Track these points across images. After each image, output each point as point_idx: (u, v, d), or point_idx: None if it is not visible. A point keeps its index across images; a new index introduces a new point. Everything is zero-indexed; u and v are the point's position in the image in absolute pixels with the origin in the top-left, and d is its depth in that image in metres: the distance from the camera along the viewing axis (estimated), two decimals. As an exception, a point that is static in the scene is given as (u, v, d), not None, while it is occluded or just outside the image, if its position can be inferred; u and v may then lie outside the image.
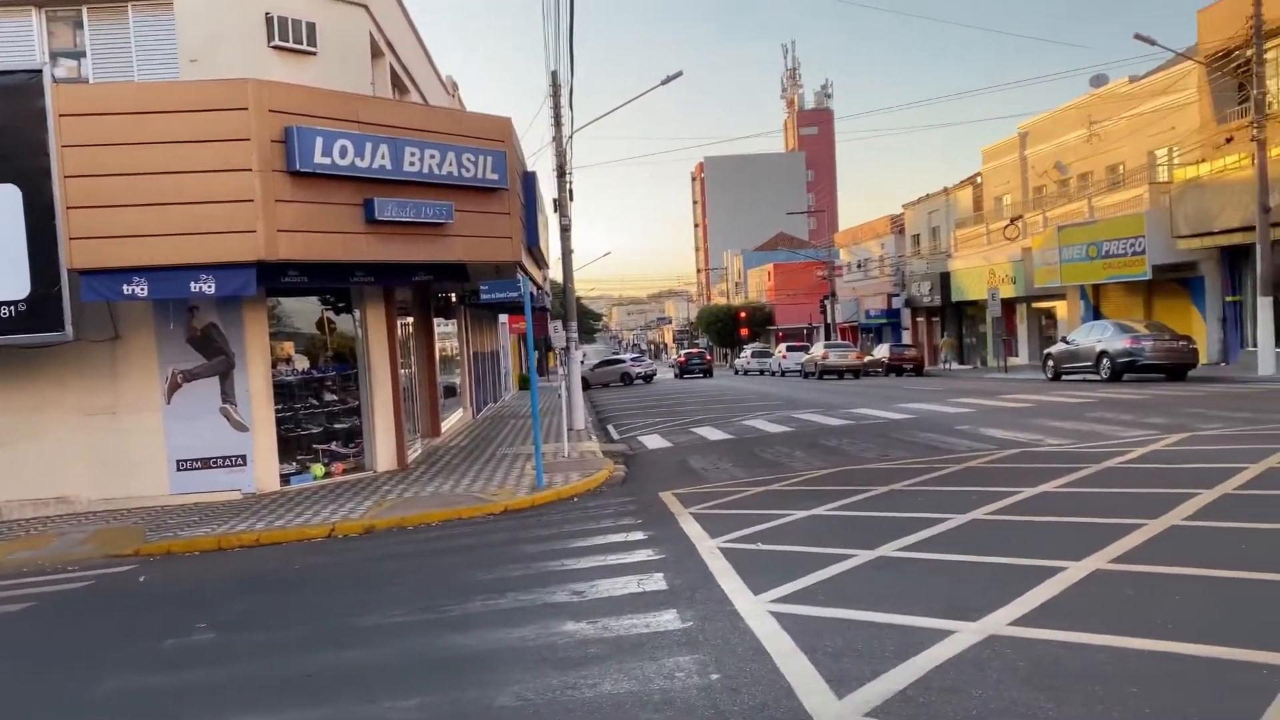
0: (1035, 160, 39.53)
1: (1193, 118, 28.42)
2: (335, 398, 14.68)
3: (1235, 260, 27.02)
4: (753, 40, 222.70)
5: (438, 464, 15.76)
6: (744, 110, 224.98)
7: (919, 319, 50.77)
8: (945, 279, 44.00)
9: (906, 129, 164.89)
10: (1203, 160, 27.20)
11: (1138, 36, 24.31)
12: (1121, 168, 33.50)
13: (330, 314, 14.78)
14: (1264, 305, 22.74)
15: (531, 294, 15.76)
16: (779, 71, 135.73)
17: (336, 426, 14.69)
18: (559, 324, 21.84)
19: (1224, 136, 26.49)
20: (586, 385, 42.53)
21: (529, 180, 16.94)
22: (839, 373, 40.61)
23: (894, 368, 41.38)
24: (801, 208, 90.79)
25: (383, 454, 14.98)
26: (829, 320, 57.94)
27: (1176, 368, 23.75)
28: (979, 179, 45.42)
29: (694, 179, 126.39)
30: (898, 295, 51.70)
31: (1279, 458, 9.87)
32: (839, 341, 50.93)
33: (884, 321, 53.58)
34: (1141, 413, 15.73)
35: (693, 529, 8.81)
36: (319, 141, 11.60)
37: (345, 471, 14.55)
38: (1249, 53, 23.19)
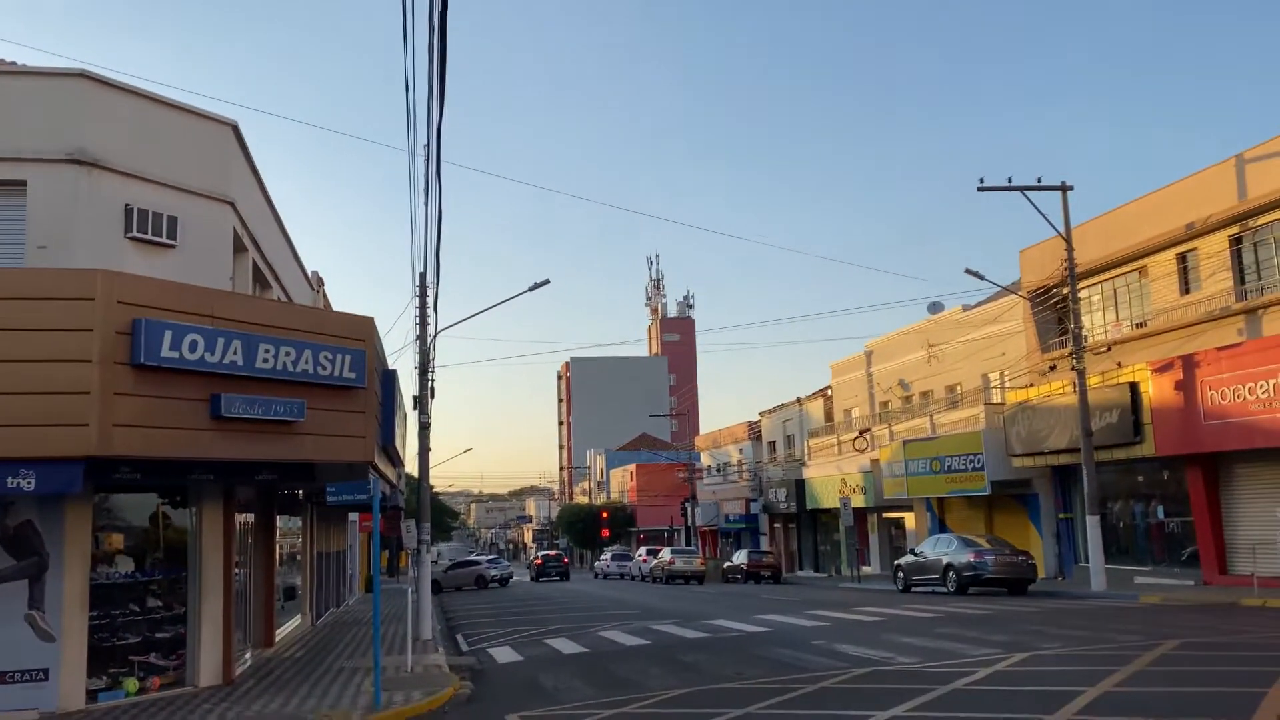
0: (880, 377, 41.87)
1: (1020, 345, 30.88)
2: (160, 603, 13.53)
3: (1065, 479, 28.78)
4: (619, 252, 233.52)
5: (268, 678, 14.57)
6: (610, 315, 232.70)
7: (776, 525, 51.54)
8: (800, 486, 45.13)
9: (762, 344, 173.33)
10: (1031, 385, 29.36)
11: (968, 271, 26.63)
12: (959, 388, 35.79)
13: (166, 508, 13.88)
14: (1092, 524, 24.08)
15: (384, 494, 15.23)
16: (644, 281, 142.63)
17: (159, 635, 13.47)
18: (412, 523, 21.13)
19: (1048, 364, 28.78)
20: (439, 588, 40.94)
21: (388, 378, 16.76)
22: (685, 577, 42.57)
23: (752, 574, 41.53)
24: (664, 410, 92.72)
25: (207, 667, 13.77)
26: (689, 523, 58.16)
27: (1017, 582, 24.66)
28: (830, 391, 47.62)
29: (560, 378, 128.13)
30: (755, 500, 52.56)
31: (1114, 681, 10.17)
32: (684, 547, 51.88)
33: (743, 526, 54.12)
34: (986, 629, 16.08)
35: (538, 759, 8.30)
36: (168, 335, 11.23)
37: (163, 686, 13.25)
38: (1065, 291, 25.62)
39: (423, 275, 20.65)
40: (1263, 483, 22.09)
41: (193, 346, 11.47)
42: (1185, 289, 24.79)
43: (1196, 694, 9.31)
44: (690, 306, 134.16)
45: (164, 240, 13.30)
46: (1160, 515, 25.58)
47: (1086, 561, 24.94)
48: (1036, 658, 12.38)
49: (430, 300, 20.69)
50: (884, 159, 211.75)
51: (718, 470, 61.05)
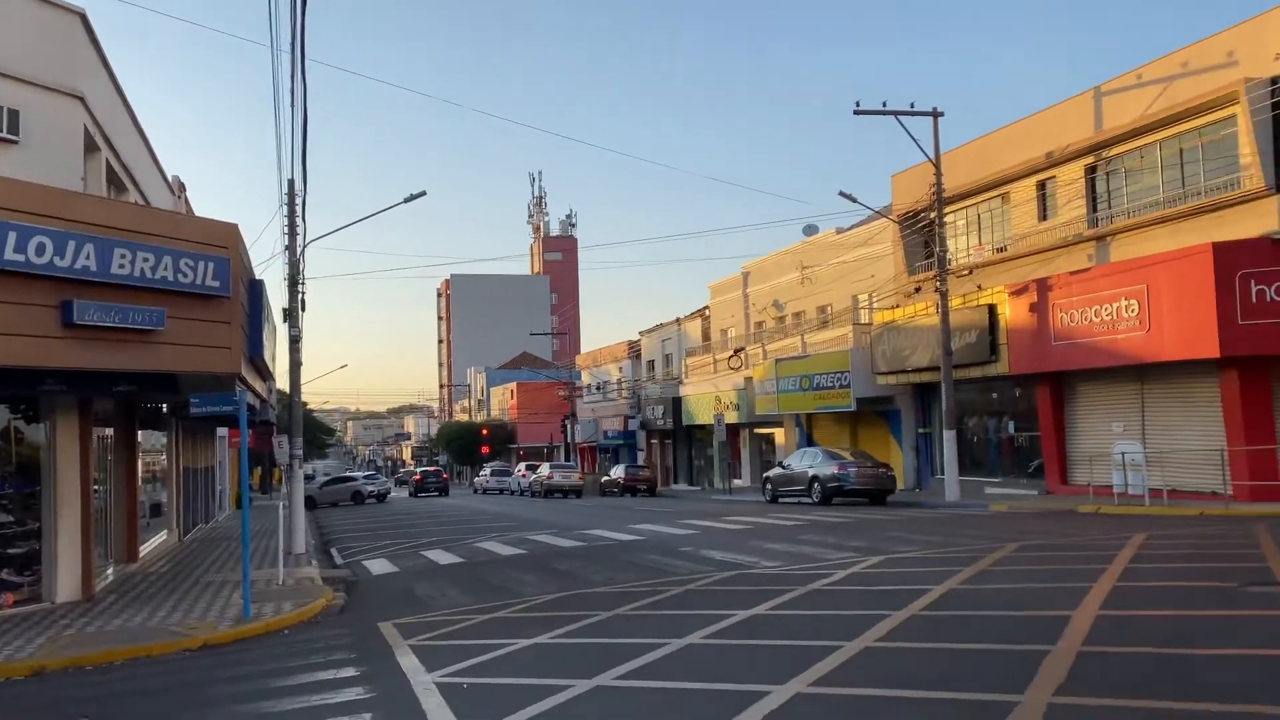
0: (756, 297, 42.73)
1: (889, 267, 31.92)
2: (12, 519, 13.00)
3: (926, 396, 30.20)
4: (501, 170, 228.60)
5: (131, 593, 14.24)
6: (492, 233, 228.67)
7: (653, 441, 52.56)
8: (677, 404, 46.02)
9: (644, 263, 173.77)
10: (897, 306, 30.49)
11: (841, 194, 27.19)
12: (830, 308, 36.88)
13: (18, 422, 13.22)
14: (949, 438, 25.43)
15: (252, 406, 14.85)
16: (526, 198, 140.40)
17: (11, 551, 12.96)
18: (284, 439, 20.70)
19: (914, 286, 29.88)
20: (313, 504, 40.37)
21: (255, 289, 16.19)
22: (563, 492, 43.42)
23: (629, 488, 42.43)
24: (546, 329, 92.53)
25: (65, 582, 13.35)
26: (569, 440, 58.73)
27: (878, 492, 25.96)
28: (708, 312, 48.37)
29: (440, 295, 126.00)
30: (634, 418, 53.37)
31: (958, 579, 10.93)
32: (564, 462, 52.81)
33: (621, 442, 54.98)
34: (846, 536, 16.94)
35: (409, 662, 8.44)
36: (12, 236, 10.56)
37: (16, 603, 12.81)
38: (932, 215, 26.53)
39: (291, 182, 19.88)
40: (1102, 400, 23.69)
41: (40, 249, 10.82)
42: (1044, 215, 26.00)
43: (1031, 589, 10.10)
44: (573, 225, 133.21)
45: (4, 135, 12.41)
46: (1011, 430, 27.21)
47: (943, 473, 26.38)
48: (891, 560, 13.15)
49: (299, 208, 19.96)
50: (762, 82, 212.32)
51: (597, 389, 61.61)
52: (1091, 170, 24.33)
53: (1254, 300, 19.18)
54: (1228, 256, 19.45)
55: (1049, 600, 9.20)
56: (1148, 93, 22.42)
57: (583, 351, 76.76)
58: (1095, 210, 24.27)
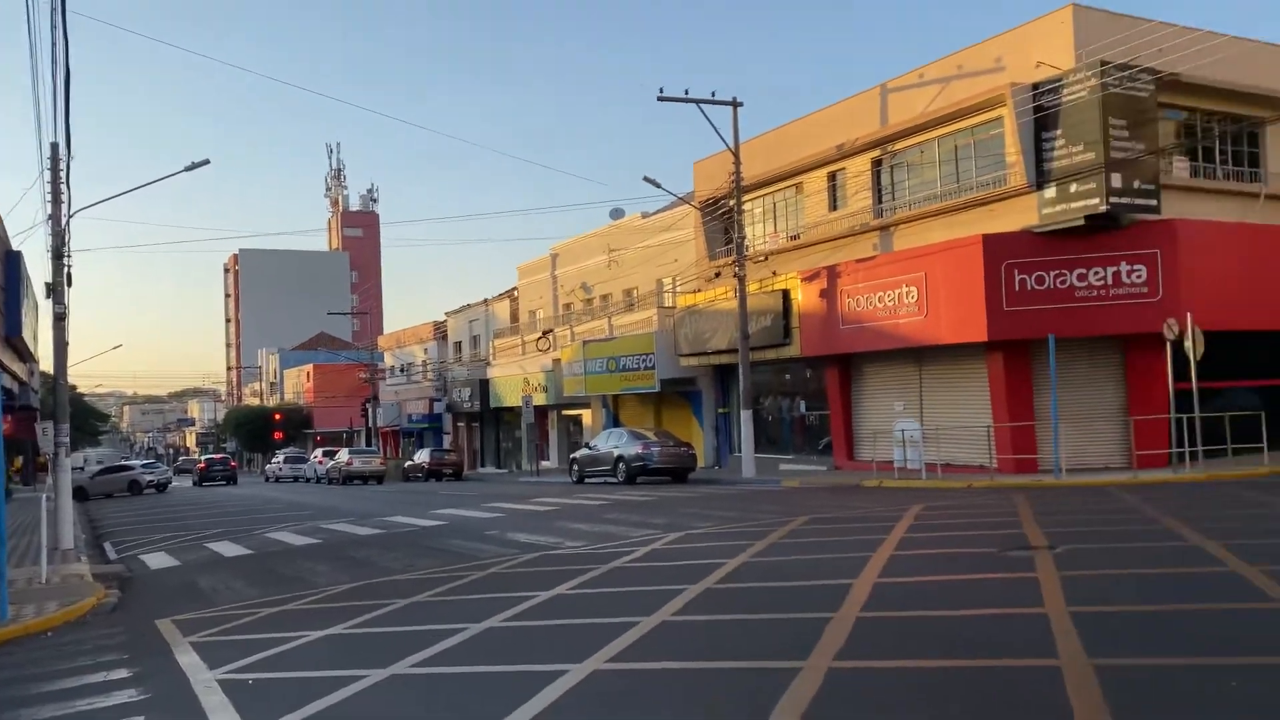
0: (564, 279, 42.81)
1: (691, 252, 32.71)
2: None
3: (725, 377, 31.22)
4: (295, 141, 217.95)
5: None
6: (286, 207, 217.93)
7: (460, 424, 51.78)
8: (485, 386, 45.50)
9: (451, 241, 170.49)
10: (699, 290, 31.32)
11: (646, 179, 27.62)
12: (636, 291, 37.44)
13: None
14: (746, 418, 26.41)
15: (10, 390, 13.57)
16: (323, 171, 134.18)
17: None
18: (49, 425, 18.98)
19: (714, 271, 30.75)
20: (85, 495, 37.36)
21: (12, 261, 14.75)
22: (363, 478, 42.18)
23: (434, 472, 41.65)
24: (345, 308, 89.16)
25: None
26: (371, 424, 56.96)
27: (680, 471, 26.65)
28: (516, 293, 48.04)
29: (227, 271, 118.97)
30: (440, 400, 52.37)
31: (751, 552, 11.36)
32: (364, 447, 51.33)
33: (426, 426, 53.85)
34: (649, 514, 17.29)
35: (189, 660, 7.94)
36: None
37: None
38: (732, 203, 27.36)
39: (55, 145, 18.16)
40: (885, 380, 25.24)
41: None
42: (834, 205, 27.32)
43: (817, 560, 10.62)
44: (374, 200, 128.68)
45: None
46: (803, 410, 28.56)
47: (740, 452, 27.37)
48: (689, 536, 13.51)
49: (64, 174, 18.28)
50: (572, 65, 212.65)
51: (401, 371, 60.03)
52: (878, 164, 25.77)
53: (1017, 289, 20.90)
54: (995, 248, 21.10)
55: (833, 570, 9.71)
56: (928, 92, 23.94)
57: (386, 332, 74.51)
58: (880, 202, 25.72)
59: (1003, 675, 5.76)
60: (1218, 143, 22.46)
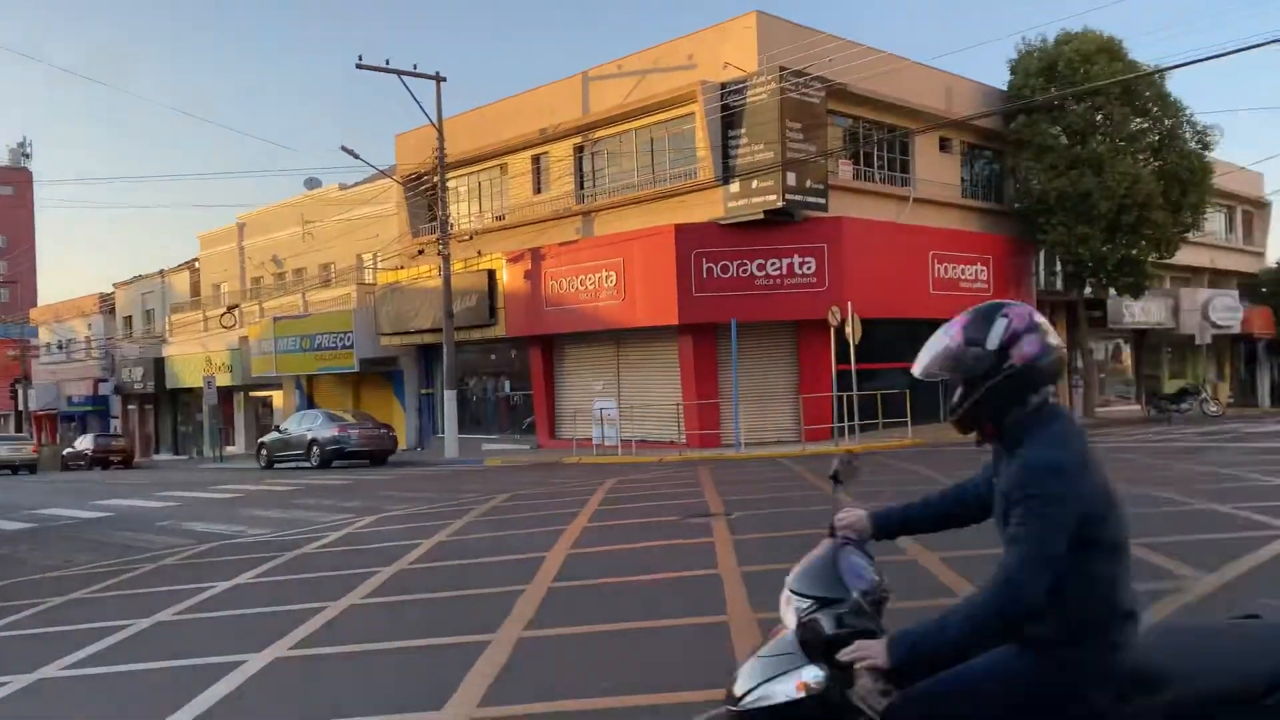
0: (253, 251, 40.21)
1: (394, 228, 31.86)
2: None
3: (429, 357, 30.78)
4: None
5: None
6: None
7: (131, 406, 47.25)
8: (160, 365, 41.79)
9: (120, 206, 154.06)
10: (401, 267, 30.59)
11: (344, 149, 26.56)
12: (333, 266, 35.92)
13: None
14: (450, 398, 26.21)
15: None
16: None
17: None
18: None
19: (418, 248, 30.16)
20: None
21: None
22: (12, 467, 37.41)
23: (99, 460, 37.70)
24: (-11, 277, 78.24)
25: None
26: (22, 407, 50.57)
27: (379, 453, 25.96)
28: (197, 264, 44.49)
29: None
30: (107, 381, 47.47)
31: (449, 531, 11.35)
32: (11, 434, 45.93)
33: (90, 409, 48.64)
34: (343, 498, 16.73)
35: None
36: None
37: None
38: (436, 179, 26.93)
39: None
40: (585, 361, 26.01)
41: None
42: (538, 188, 27.66)
43: (514, 535, 10.80)
44: (27, 155, 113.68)
45: None
46: (508, 389, 28.78)
47: (444, 433, 27.13)
48: (386, 519, 13.25)
49: None
50: (272, 27, 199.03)
51: (60, 348, 53.69)
52: (580, 150, 26.38)
53: (705, 276, 22.27)
54: (686, 237, 22.34)
55: (529, 544, 9.92)
56: (626, 83, 24.81)
57: (40, 304, 66.30)
58: (582, 188, 26.38)
59: (680, 633, 6.18)
60: (876, 149, 25.09)
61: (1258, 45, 18.92)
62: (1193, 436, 19.65)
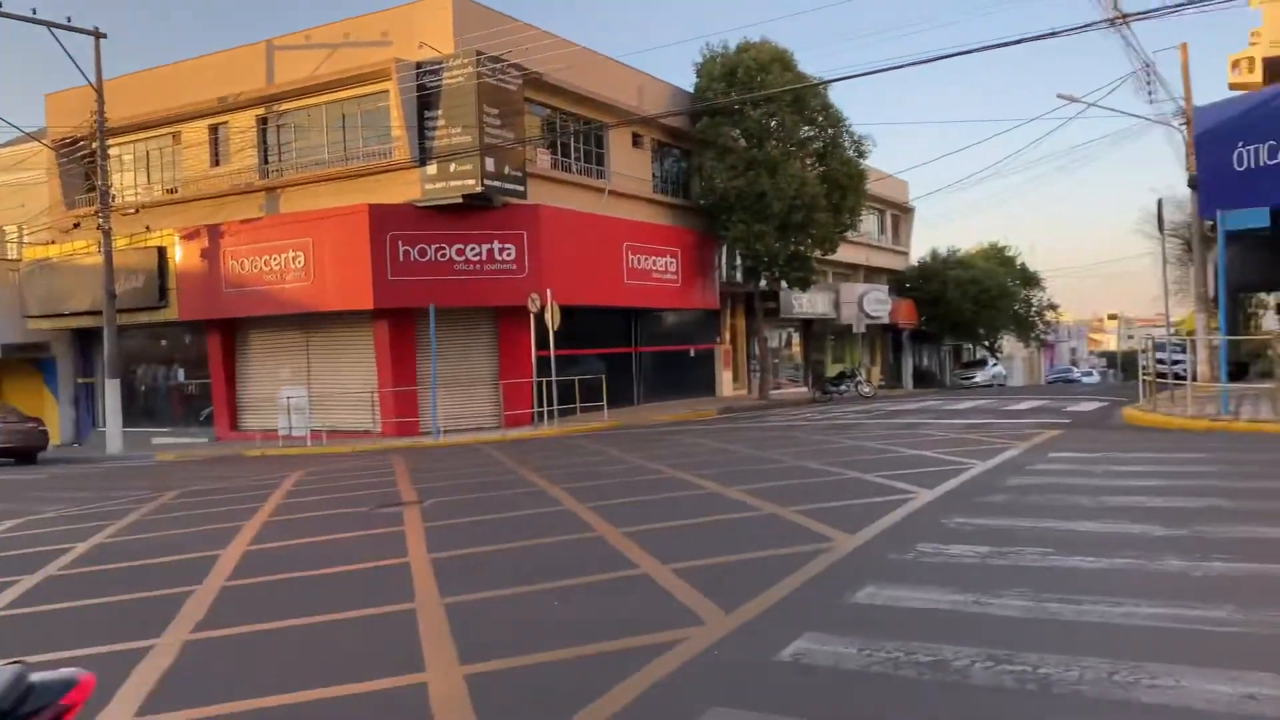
0: None
1: (44, 197, 28.32)
2: None
3: (87, 342, 27.73)
4: None
5: None
6: None
7: None
8: None
9: None
10: (53, 242, 27.29)
11: (-19, 105, 23.22)
12: (-32, 239, 31.32)
13: None
14: (112, 387, 23.75)
15: None
16: None
17: None
18: None
19: (73, 221, 27.02)
20: None
21: None
22: None
23: None
24: None
25: None
26: None
27: (26, 450, 23.04)
28: None
29: None
30: None
31: (108, 533, 10.32)
32: None
33: None
34: (-21, 501, 14.72)
35: None
36: None
37: None
38: (95, 145, 24.24)
39: None
40: (271, 346, 24.55)
41: None
42: (217, 161, 25.67)
43: (185, 534, 10.01)
44: None
45: None
46: (181, 378, 26.54)
47: (104, 426, 24.57)
48: (33, 522, 11.82)
49: None
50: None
51: None
52: (264, 122, 24.79)
53: (401, 259, 21.75)
54: (381, 218, 21.69)
55: (202, 542, 9.25)
56: (316, 55, 23.63)
57: None
58: (267, 162, 24.82)
59: (364, 624, 6.03)
60: (573, 141, 25.65)
61: (906, 65, 21.42)
62: (850, 414, 21.85)
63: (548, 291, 21.45)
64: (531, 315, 21.64)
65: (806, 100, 28.65)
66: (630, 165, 27.13)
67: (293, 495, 12.64)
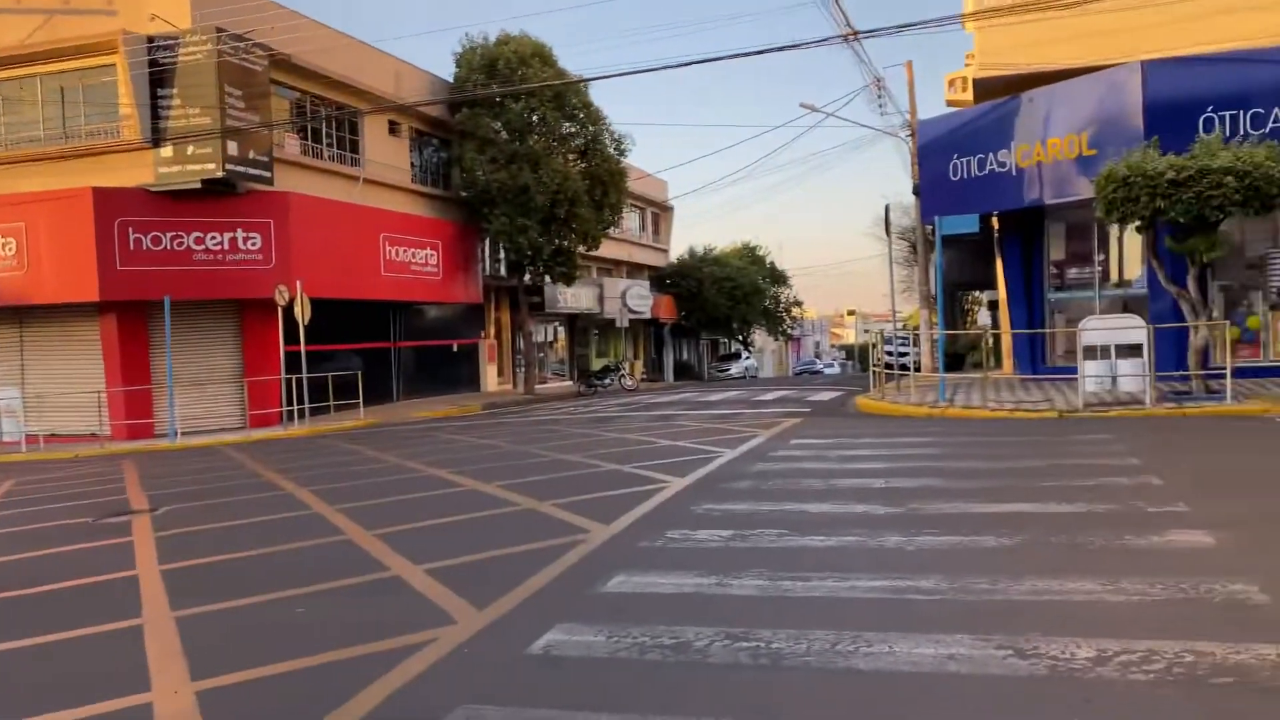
0: None
1: None
2: None
3: None
4: None
5: None
6: None
7: None
8: None
9: None
10: None
11: None
12: None
13: None
14: None
15: None
16: None
17: None
18: None
19: None
20: None
21: None
22: None
23: None
24: None
25: None
26: None
27: None
28: None
29: None
30: None
31: None
32: None
33: None
34: None
35: None
36: None
37: None
38: None
39: None
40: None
41: None
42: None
43: None
44: None
45: None
46: None
47: None
48: None
49: None
50: None
51: None
52: (-35, 91, 22.08)
53: (132, 247, 20.06)
54: (108, 203, 19.90)
55: (-116, 566, 8.13)
56: (30, 21, 21.30)
57: None
58: (-30, 136, 22.12)
59: (83, 645, 5.52)
60: (324, 126, 24.57)
61: (661, 68, 22.09)
62: (612, 407, 22.30)
63: (298, 283, 20.45)
64: (280, 309, 20.56)
65: (567, 97, 28.91)
66: (387, 154, 26.35)
67: (2, 508, 11.36)
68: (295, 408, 21.00)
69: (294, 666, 4.78)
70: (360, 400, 22.33)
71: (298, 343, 20.50)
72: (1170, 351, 16.38)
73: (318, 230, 22.39)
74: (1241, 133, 16.28)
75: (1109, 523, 6.78)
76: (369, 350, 25.40)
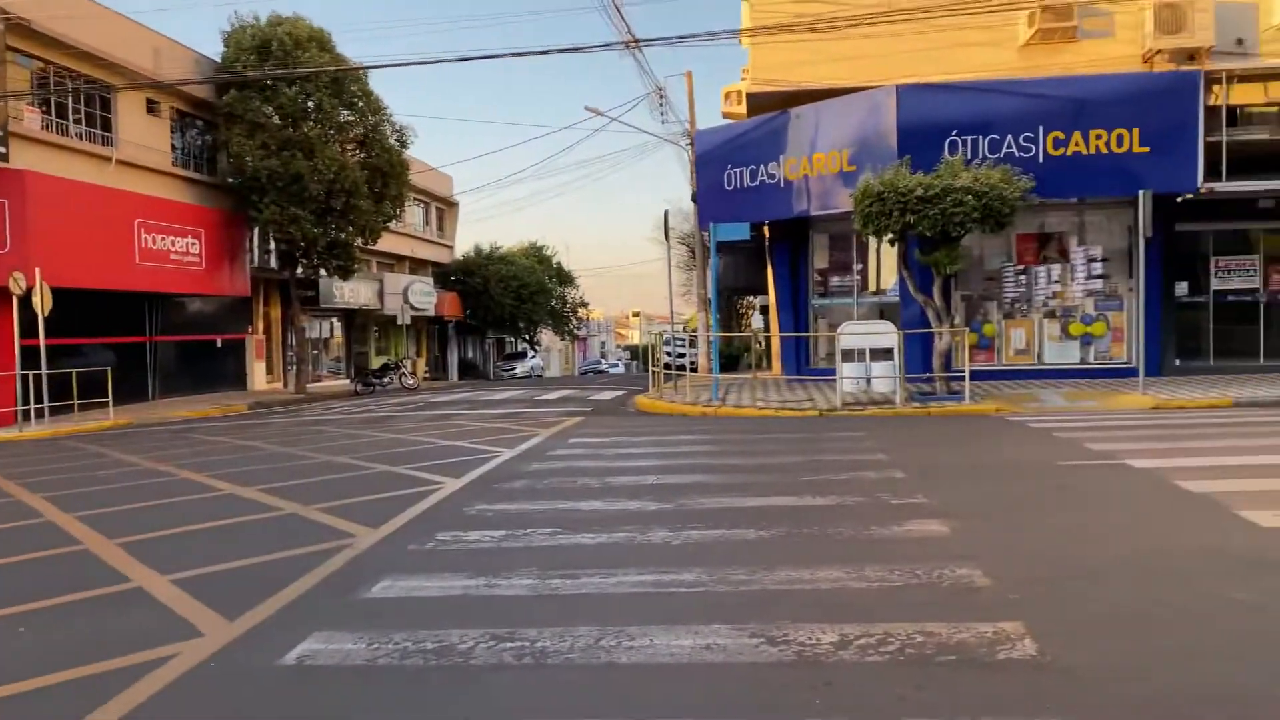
0: None
1: None
2: None
3: None
4: None
5: None
6: None
7: None
8: None
9: None
10: None
11: None
12: None
13: None
14: None
15: None
16: None
17: None
18: None
19: None
20: None
21: None
22: None
23: None
24: None
25: None
26: None
27: None
28: None
29: None
30: None
31: None
32: None
33: None
34: None
35: None
36: None
37: None
38: None
39: None
40: None
41: None
42: None
43: None
44: None
45: None
46: None
47: None
48: None
49: None
50: None
51: None
52: None
53: None
54: None
55: None
56: None
57: None
58: None
59: None
60: (71, 100, 22.48)
61: (443, 61, 21.65)
62: (390, 407, 21.66)
63: (36, 271, 18.58)
64: (15, 298, 18.61)
65: (346, 84, 27.85)
66: (145, 135, 24.42)
67: None
68: (33, 407, 19.08)
69: (9, 692, 4.34)
70: (110, 399, 20.57)
71: (36, 335, 18.63)
72: (919, 355, 17.79)
73: (62, 213, 20.46)
74: (981, 156, 17.93)
75: (857, 514, 7.27)
76: (122, 345, 23.46)
